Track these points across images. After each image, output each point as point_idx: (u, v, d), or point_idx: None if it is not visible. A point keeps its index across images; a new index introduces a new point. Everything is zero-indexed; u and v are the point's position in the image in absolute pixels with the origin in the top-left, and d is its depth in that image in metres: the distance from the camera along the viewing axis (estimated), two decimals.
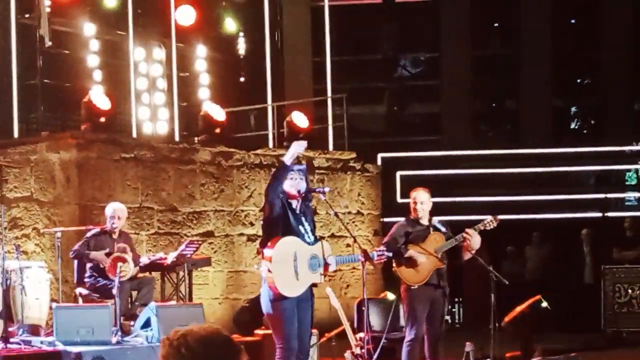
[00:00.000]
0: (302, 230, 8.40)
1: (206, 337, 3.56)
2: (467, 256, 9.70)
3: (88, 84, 15.33)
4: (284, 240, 8.29)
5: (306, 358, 8.63)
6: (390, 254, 9.36)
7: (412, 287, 9.68)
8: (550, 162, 20.97)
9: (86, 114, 13.89)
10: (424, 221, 9.81)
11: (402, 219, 10.02)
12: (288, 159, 8.28)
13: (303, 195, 8.41)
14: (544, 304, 12.36)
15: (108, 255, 11.37)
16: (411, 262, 9.65)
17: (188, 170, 14.62)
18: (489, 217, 9.85)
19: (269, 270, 8.28)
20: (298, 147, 8.33)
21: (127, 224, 12.62)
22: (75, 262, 11.76)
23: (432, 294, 9.72)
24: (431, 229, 9.77)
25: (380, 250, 9.18)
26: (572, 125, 27.44)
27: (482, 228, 9.69)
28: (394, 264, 9.75)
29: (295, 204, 8.41)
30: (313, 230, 8.53)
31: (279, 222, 8.33)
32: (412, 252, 9.63)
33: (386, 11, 25.38)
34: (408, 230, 9.79)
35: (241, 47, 19.41)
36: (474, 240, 9.59)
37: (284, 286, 8.27)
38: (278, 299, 8.29)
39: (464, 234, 9.60)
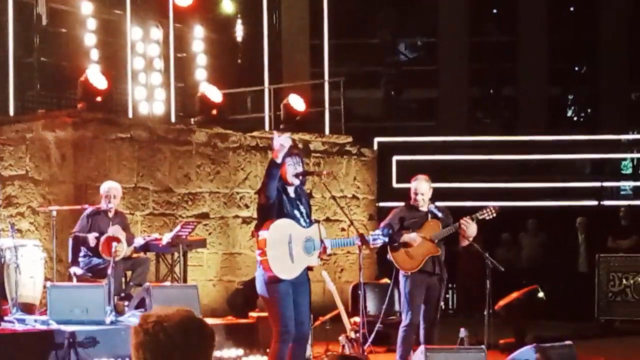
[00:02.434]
0: (297, 215, 8.37)
1: (182, 322, 3.53)
2: (463, 243, 9.68)
3: (85, 62, 15.24)
4: (278, 222, 8.26)
5: (306, 342, 8.60)
6: (386, 239, 9.31)
7: (406, 274, 9.65)
8: (546, 150, 20.95)
9: (82, 93, 13.82)
10: (423, 208, 9.78)
11: (401, 204, 9.99)
12: (277, 155, 8.15)
13: (301, 180, 8.38)
14: (541, 294, 12.35)
15: (100, 235, 11.35)
16: (406, 249, 9.61)
17: (184, 152, 14.57)
18: (488, 207, 9.79)
19: (263, 253, 8.25)
20: (282, 142, 8.11)
21: (122, 204, 12.59)
22: (70, 241, 11.73)
23: (428, 280, 9.68)
24: (429, 215, 9.74)
25: (375, 235, 9.13)
26: (569, 114, 27.48)
27: (480, 217, 9.65)
28: (389, 250, 9.71)
29: (291, 189, 8.38)
30: (308, 214, 8.49)
31: (273, 207, 8.29)
32: (406, 235, 9.60)
33: None
34: (403, 216, 9.76)
35: (239, 28, 19.34)
36: (470, 229, 9.56)
37: (278, 268, 8.23)
38: (273, 281, 8.25)
39: (461, 223, 9.57)
